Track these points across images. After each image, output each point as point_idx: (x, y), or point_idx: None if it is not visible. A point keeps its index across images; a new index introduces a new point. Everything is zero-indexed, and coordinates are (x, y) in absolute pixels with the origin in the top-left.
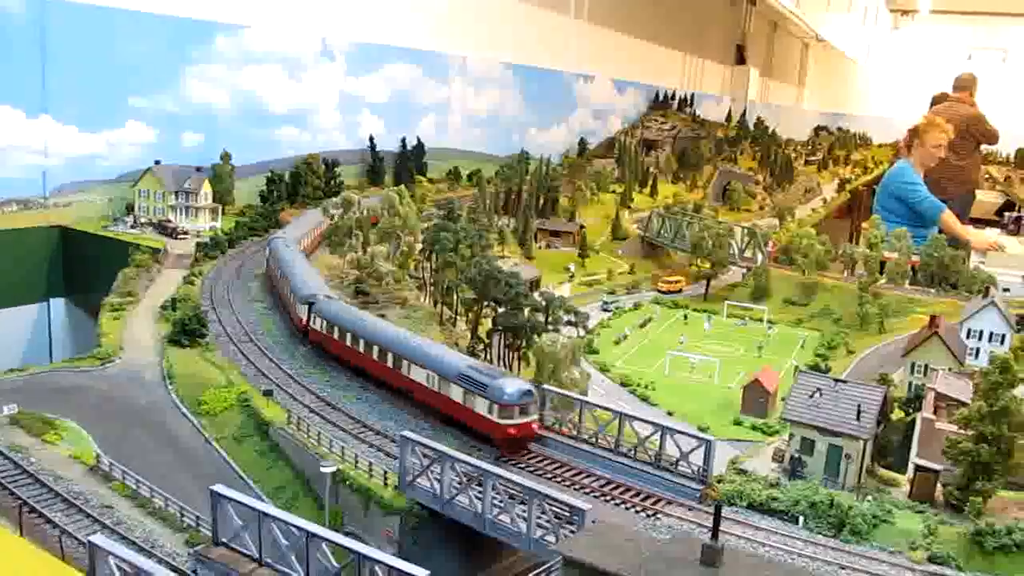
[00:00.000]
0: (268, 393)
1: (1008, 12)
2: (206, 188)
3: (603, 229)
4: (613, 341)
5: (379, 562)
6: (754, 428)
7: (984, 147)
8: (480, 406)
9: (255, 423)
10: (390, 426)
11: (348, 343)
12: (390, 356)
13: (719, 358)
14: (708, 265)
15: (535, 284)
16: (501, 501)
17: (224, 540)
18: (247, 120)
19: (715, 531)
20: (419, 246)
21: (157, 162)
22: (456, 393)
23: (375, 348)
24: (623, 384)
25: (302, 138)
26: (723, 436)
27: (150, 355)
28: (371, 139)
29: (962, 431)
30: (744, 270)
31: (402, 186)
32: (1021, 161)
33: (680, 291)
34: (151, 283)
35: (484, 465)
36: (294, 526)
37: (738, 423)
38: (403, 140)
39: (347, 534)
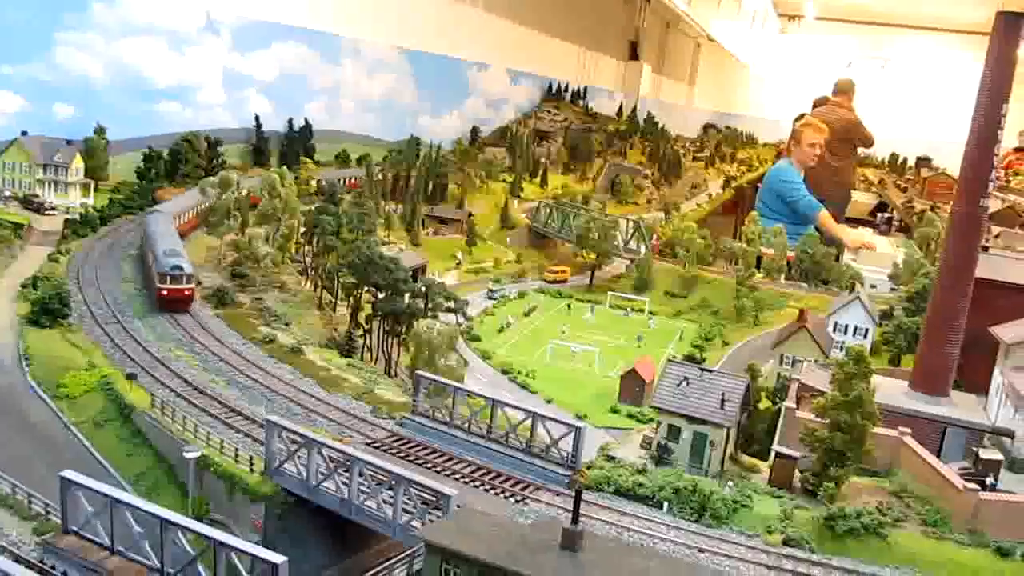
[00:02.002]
0: (132, 376)
1: (888, 22)
2: (77, 163)
3: (492, 218)
4: (497, 329)
5: (235, 548)
6: (630, 416)
7: (861, 150)
8: (156, 278)
9: (117, 407)
10: (260, 412)
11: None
12: (149, 253)
13: (600, 347)
14: (593, 256)
15: (421, 271)
16: (368, 487)
17: (74, 528)
18: (125, 93)
19: (575, 516)
20: (302, 229)
21: (24, 133)
22: (153, 272)
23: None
24: (504, 371)
25: (184, 114)
26: (600, 424)
27: (6, 336)
28: (257, 119)
29: (819, 419)
30: (628, 262)
31: (284, 167)
32: (894, 165)
33: (565, 281)
34: (12, 260)
35: (351, 451)
36: (148, 513)
37: (615, 411)
38: (290, 121)
39: (212, 522)
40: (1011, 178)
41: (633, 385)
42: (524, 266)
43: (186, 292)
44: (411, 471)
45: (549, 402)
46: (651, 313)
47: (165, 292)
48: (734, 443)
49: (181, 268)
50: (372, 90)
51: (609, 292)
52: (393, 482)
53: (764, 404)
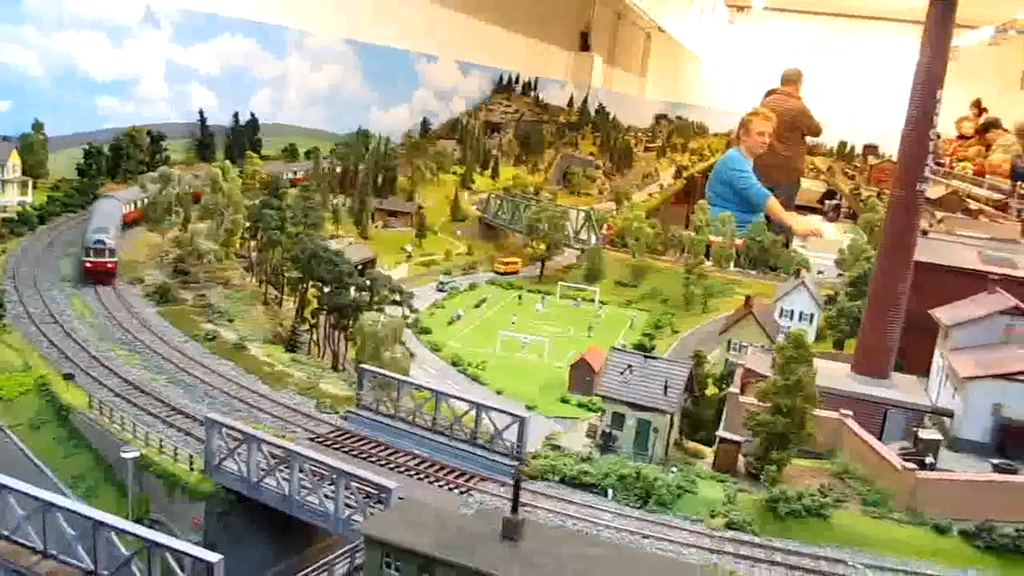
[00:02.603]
0: (69, 376)
1: (834, 12)
2: (14, 159)
3: (443, 210)
4: (447, 321)
5: (170, 548)
6: (580, 405)
7: (810, 139)
8: (82, 252)
9: (54, 409)
10: (201, 410)
11: None
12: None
13: (550, 338)
14: (543, 247)
15: (370, 264)
16: (309, 482)
17: (5, 533)
18: (63, 87)
19: (515, 505)
20: (246, 224)
21: None
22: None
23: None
24: (454, 363)
25: (125, 109)
26: (551, 413)
27: None
28: (201, 113)
29: (762, 404)
30: (579, 252)
31: (227, 161)
32: (843, 153)
33: (516, 272)
34: None
35: (291, 446)
36: (80, 515)
37: (565, 400)
38: (236, 115)
39: (153, 522)
40: (955, 165)
41: (583, 374)
42: (475, 258)
43: (108, 265)
44: (353, 465)
45: (499, 393)
46: (601, 302)
47: (89, 264)
48: (679, 429)
49: (103, 243)
50: (319, 83)
51: (560, 282)
52: (334, 476)
53: (711, 390)
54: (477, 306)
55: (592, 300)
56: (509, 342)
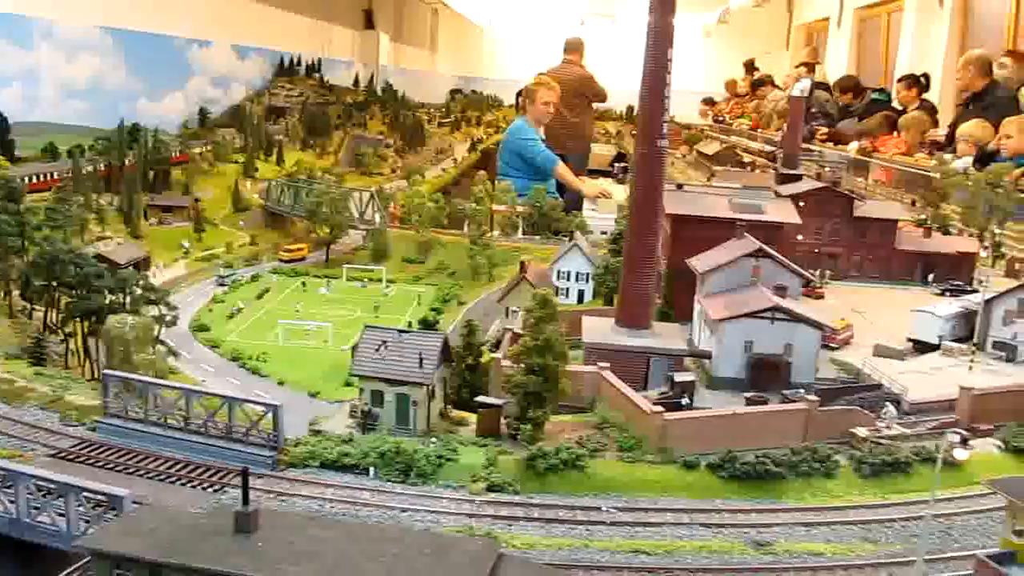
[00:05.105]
0: None
1: None
2: None
3: (224, 201)
4: (227, 316)
5: None
6: None
7: (600, 105)
8: None
9: None
10: None
11: None
12: None
13: (335, 321)
14: (327, 230)
15: (143, 264)
16: (38, 501)
17: None
18: None
19: (245, 497)
20: None
21: None
22: None
23: None
24: (234, 359)
25: None
26: (334, 398)
27: None
28: None
29: (517, 365)
30: (365, 233)
31: None
32: (631, 117)
33: (302, 259)
34: None
35: (10, 466)
36: None
37: (349, 384)
38: None
39: None
40: (733, 122)
41: None
42: (259, 248)
43: None
44: (85, 478)
45: (281, 384)
46: (389, 281)
47: None
48: (443, 399)
49: None
50: (76, 75)
51: (345, 265)
52: (62, 492)
53: (487, 357)
54: (259, 297)
55: (379, 280)
56: (292, 330)
